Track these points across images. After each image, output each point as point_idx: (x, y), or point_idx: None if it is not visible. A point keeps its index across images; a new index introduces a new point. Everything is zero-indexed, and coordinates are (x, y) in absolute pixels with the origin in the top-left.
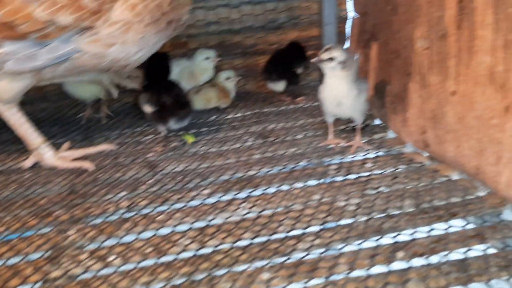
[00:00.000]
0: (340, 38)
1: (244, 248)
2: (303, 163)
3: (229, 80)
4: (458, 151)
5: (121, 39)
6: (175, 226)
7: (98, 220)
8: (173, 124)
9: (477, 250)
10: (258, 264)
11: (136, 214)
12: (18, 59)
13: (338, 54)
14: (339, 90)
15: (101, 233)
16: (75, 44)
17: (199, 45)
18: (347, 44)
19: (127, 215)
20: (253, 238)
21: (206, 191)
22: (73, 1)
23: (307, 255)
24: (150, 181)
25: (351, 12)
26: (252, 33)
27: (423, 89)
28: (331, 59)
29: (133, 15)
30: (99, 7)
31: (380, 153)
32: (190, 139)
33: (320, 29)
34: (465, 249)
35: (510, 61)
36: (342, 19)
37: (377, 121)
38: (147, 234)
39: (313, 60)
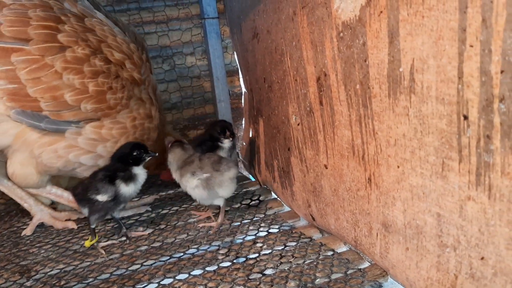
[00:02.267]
0: (237, 113)
1: None
2: (192, 250)
3: None
4: (338, 224)
5: (115, 138)
6: None
7: None
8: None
9: None
10: None
11: None
12: (25, 113)
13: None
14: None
15: None
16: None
17: None
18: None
19: None
20: None
21: None
22: (99, 94)
23: None
24: None
25: (243, 88)
26: None
27: (302, 163)
28: None
29: (131, 125)
30: (114, 105)
31: (272, 230)
32: (89, 243)
33: (215, 106)
34: None
35: (365, 134)
36: (238, 95)
37: (273, 195)
38: None
39: None
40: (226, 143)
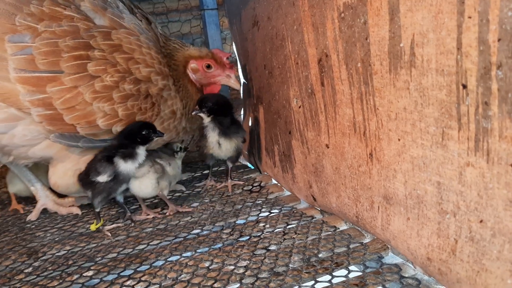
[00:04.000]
0: (235, 104)
1: None
2: (196, 230)
3: None
4: (340, 201)
5: None
6: None
7: None
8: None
9: None
10: None
11: None
12: (63, 136)
13: None
14: None
15: None
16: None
17: None
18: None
19: None
20: None
21: (89, 273)
22: (129, 117)
23: None
24: (29, 270)
25: (242, 79)
26: None
27: (303, 145)
28: None
29: (161, 128)
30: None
31: (274, 211)
32: (94, 226)
33: None
34: None
35: (366, 111)
36: None
37: (274, 181)
38: None
39: None
40: (205, 119)
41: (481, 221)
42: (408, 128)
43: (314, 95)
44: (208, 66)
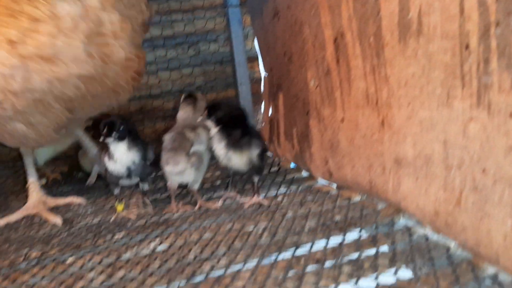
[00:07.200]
0: (255, 98)
1: (151, 274)
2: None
3: None
4: (354, 171)
5: None
6: (83, 265)
7: (5, 271)
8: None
9: (369, 252)
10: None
11: (46, 261)
12: None
13: None
14: None
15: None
16: None
17: (120, 112)
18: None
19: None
20: (159, 267)
21: (120, 236)
22: None
23: (211, 273)
24: (64, 235)
25: (263, 72)
26: (171, 97)
27: (320, 123)
28: None
29: None
30: None
31: (291, 189)
32: (119, 207)
33: (236, 90)
34: (358, 253)
35: (377, 82)
36: (257, 80)
37: (292, 165)
38: (55, 274)
39: None
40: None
41: (483, 171)
42: (417, 92)
43: (330, 73)
44: None
